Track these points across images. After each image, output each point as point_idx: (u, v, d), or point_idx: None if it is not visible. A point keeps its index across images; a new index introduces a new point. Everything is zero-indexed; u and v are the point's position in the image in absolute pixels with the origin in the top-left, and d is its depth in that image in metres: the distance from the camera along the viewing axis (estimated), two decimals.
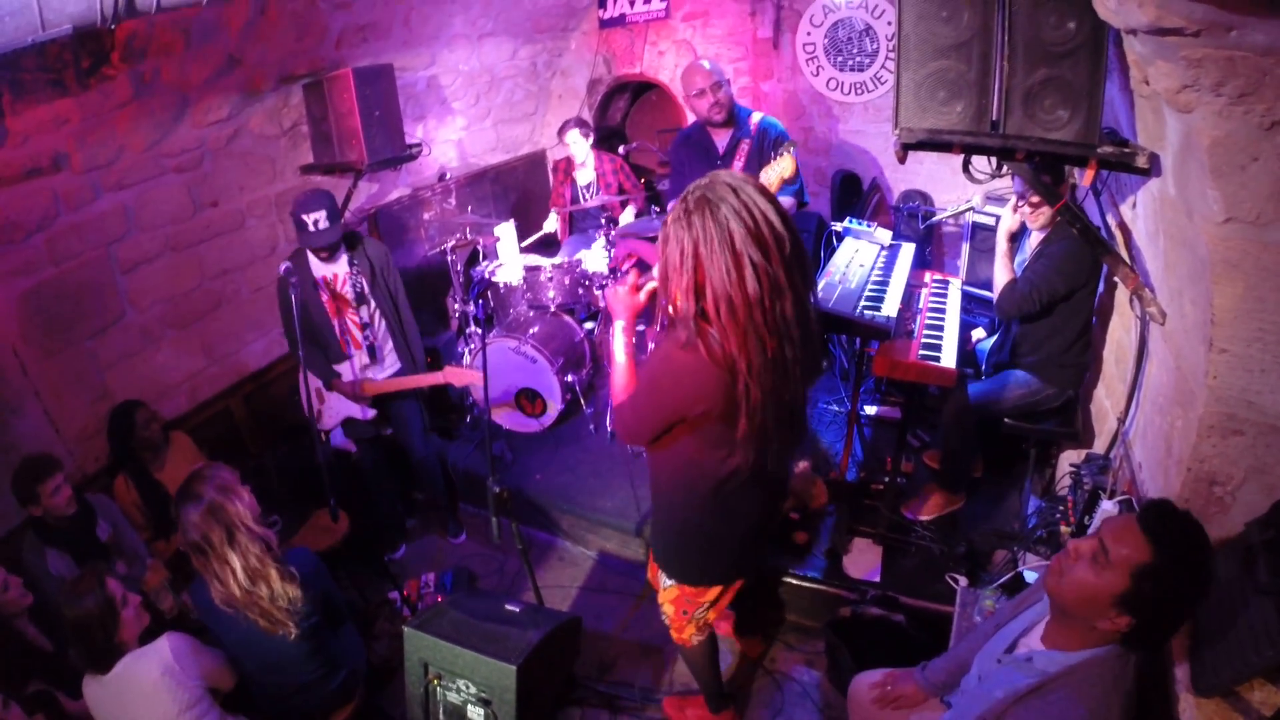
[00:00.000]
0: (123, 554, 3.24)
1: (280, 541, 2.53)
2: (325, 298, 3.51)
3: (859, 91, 5.21)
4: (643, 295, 2.19)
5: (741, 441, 1.90)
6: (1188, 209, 1.97)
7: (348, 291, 3.45)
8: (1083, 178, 2.54)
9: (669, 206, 4.14)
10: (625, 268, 4.61)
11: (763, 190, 1.78)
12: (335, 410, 3.73)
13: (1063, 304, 3.09)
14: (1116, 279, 2.75)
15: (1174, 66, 1.72)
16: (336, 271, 3.51)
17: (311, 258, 3.48)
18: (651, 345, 4.25)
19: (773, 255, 1.73)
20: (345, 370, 3.67)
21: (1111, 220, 2.92)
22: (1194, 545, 1.44)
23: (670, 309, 1.86)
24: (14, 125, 2.94)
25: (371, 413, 3.74)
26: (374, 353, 3.66)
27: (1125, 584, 1.44)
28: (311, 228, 3.28)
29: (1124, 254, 2.68)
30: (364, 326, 3.59)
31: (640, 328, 4.51)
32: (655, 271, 1.96)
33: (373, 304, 3.60)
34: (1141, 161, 2.20)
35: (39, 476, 2.92)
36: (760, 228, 1.72)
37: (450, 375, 3.62)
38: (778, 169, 3.37)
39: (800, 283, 1.81)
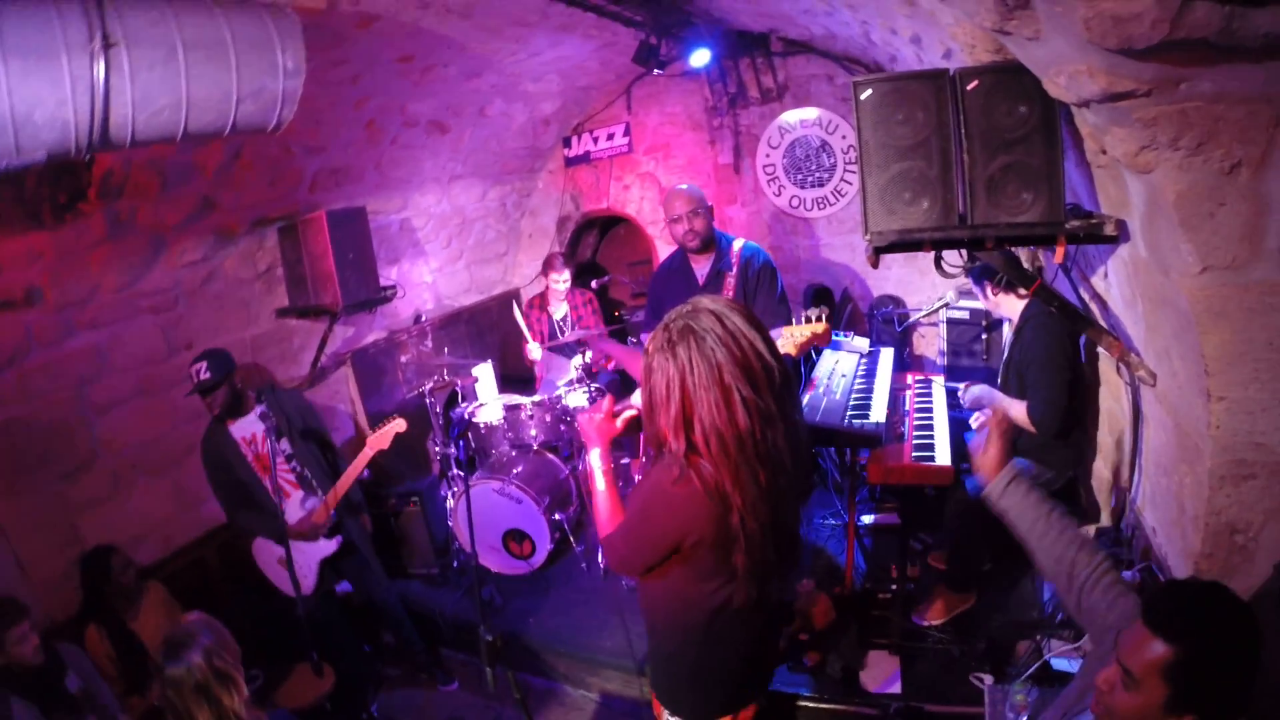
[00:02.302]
0: (94, 708, 2.98)
1: (261, 698, 2.32)
2: (250, 457, 3.53)
3: (821, 206, 5.42)
4: (619, 423, 2.13)
5: (742, 575, 1.82)
6: (1163, 267, 1.99)
7: (270, 444, 3.42)
8: (1052, 256, 2.59)
9: (643, 341, 4.19)
10: (603, 370, 4.57)
11: (747, 316, 1.75)
12: (307, 565, 3.60)
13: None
14: (1101, 349, 2.76)
15: (1129, 130, 1.78)
16: (253, 429, 3.53)
17: (230, 425, 3.53)
18: (637, 477, 4.15)
19: (762, 386, 1.69)
20: (290, 514, 3.55)
21: (1085, 294, 2.96)
22: (1212, 621, 1.35)
23: (658, 442, 1.81)
24: None
25: (337, 540, 3.64)
26: (305, 481, 3.63)
27: (1165, 689, 1.33)
28: (195, 377, 3.37)
29: (1102, 323, 2.70)
30: (289, 459, 3.60)
31: (624, 460, 4.46)
32: (636, 399, 1.92)
33: (293, 442, 3.63)
34: (1109, 229, 2.24)
35: (5, 622, 2.74)
36: (749, 358, 1.69)
37: (371, 444, 3.55)
38: (808, 332, 3.02)
39: (790, 410, 1.78)
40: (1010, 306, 3.20)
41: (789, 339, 3.08)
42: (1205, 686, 1.32)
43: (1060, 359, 3.00)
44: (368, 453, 3.54)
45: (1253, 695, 1.35)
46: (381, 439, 3.55)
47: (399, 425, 3.56)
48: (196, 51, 2.14)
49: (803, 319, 3.11)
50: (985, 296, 3.23)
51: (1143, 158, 1.81)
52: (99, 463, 3.75)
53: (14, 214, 2.93)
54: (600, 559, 4.32)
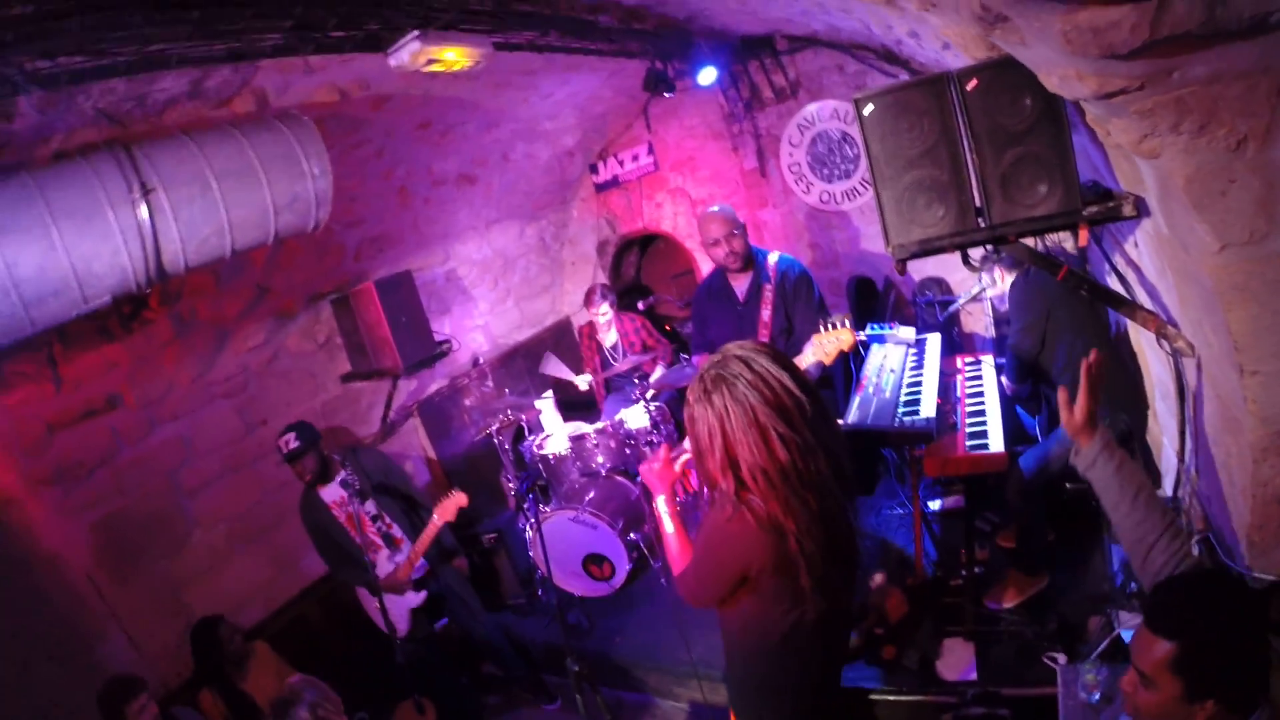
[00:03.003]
0: None
1: None
2: (342, 518, 3.79)
3: (851, 198, 5.37)
4: (677, 467, 2.23)
5: (809, 595, 1.90)
6: (1183, 244, 1.96)
7: (355, 505, 3.63)
8: (1076, 241, 2.55)
9: (693, 360, 4.25)
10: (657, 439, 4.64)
11: (774, 356, 1.84)
12: (399, 612, 3.84)
13: (1053, 335, 3.19)
14: (1137, 325, 2.70)
15: (1129, 121, 1.76)
16: (341, 493, 3.75)
17: (320, 489, 3.82)
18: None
19: (795, 420, 1.77)
20: (381, 568, 3.81)
21: (1121, 262, 2.90)
22: (1204, 611, 1.41)
23: (711, 483, 1.92)
24: (67, 373, 3.25)
25: (422, 594, 3.90)
26: (390, 542, 3.88)
27: (1178, 683, 1.40)
28: (284, 449, 3.69)
29: (1139, 292, 2.64)
30: (374, 519, 3.85)
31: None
32: (687, 444, 2.00)
33: (378, 501, 3.88)
34: (1128, 210, 2.21)
35: (126, 697, 2.94)
36: (780, 396, 1.77)
37: (440, 515, 3.71)
38: (835, 341, 3.16)
39: (828, 436, 1.86)
40: (1007, 281, 3.28)
41: (819, 349, 3.19)
42: (1214, 672, 1.38)
43: (1023, 312, 3.18)
44: (436, 523, 3.72)
45: (1268, 670, 1.37)
46: (446, 512, 3.72)
47: (460, 500, 3.73)
48: (228, 179, 2.32)
49: (825, 326, 3.16)
50: (994, 281, 3.32)
51: (1146, 145, 1.78)
52: (195, 539, 4.05)
53: (86, 331, 3.23)
54: (679, 594, 4.40)
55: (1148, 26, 1.38)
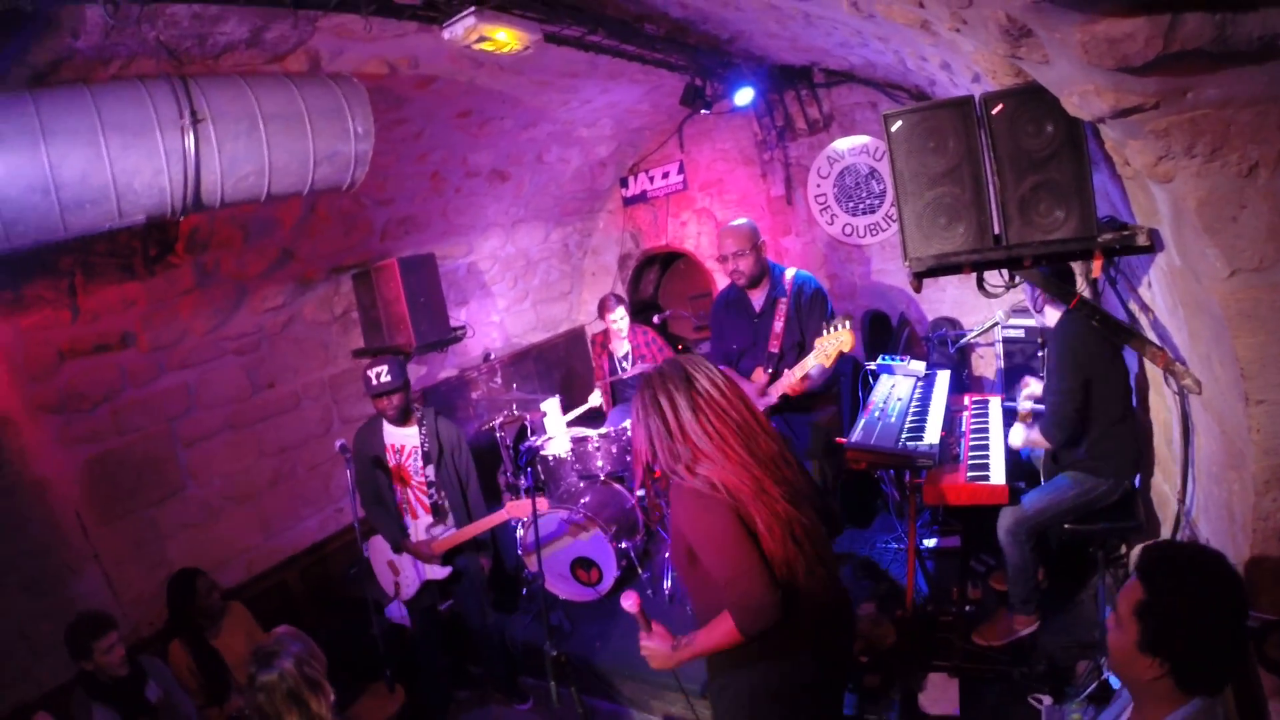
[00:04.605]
0: (172, 717, 3.20)
1: (336, 714, 2.47)
2: (392, 463, 3.67)
3: (874, 232, 5.45)
4: (658, 630, 2.17)
5: (778, 561, 1.95)
6: (1194, 273, 2.00)
7: (415, 460, 3.55)
8: (1091, 270, 2.59)
9: None
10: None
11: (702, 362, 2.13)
12: (411, 577, 3.77)
13: (1092, 394, 3.07)
14: (1147, 360, 2.72)
15: (1145, 142, 1.81)
16: (406, 440, 3.68)
17: (385, 426, 3.68)
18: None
19: (724, 386, 2.06)
20: (414, 532, 3.74)
21: (1134, 305, 2.93)
22: (1183, 572, 1.47)
23: (670, 468, 2.07)
24: (85, 304, 3.28)
25: (447, 569, 3.76)
26: (439, 511, 3.72)
27: (1137, 628, 1.47)
28: (374, 380, 3.52)
29: (1150, 335, 2.67)
30: (429, 485, 3.69)
31: (640, 493, 4.74)
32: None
33: (440, 469, 3.73)
34: (1142, 240, 2.25)
35: (95, 632, 2.95)
36: (703, 369, 2.08)
37: (512, 510, 3.67)
38: (835, 343, 3.43)
39: (756, 419, 2.08)
40: (1053, 318, 3.22)
41: (820, 352, 3.47)
42: (1171, 631, 1.43)
43: (1066, 366, 3.02)
44: (502, 514, 3.69)
45: (1222, 662, 1.42)
46: (517, 509, 3.69)
47: (541, 504, 3.66)
48: (276, 122, 2.41)
49: (828, 329, 3.28)
50: (1034, 306, 3.26)
51: (1161, 168, 1.83)
52: (188, 492, 4.05)
53: (109, 266, 3.28)
54: (665, 586, 4.39)
55: (1161, 40, 1.43)
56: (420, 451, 3.44)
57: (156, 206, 2.27)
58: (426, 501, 3.72)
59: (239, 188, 2.44)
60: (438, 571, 3.76)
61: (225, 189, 2.39)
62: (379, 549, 3.85)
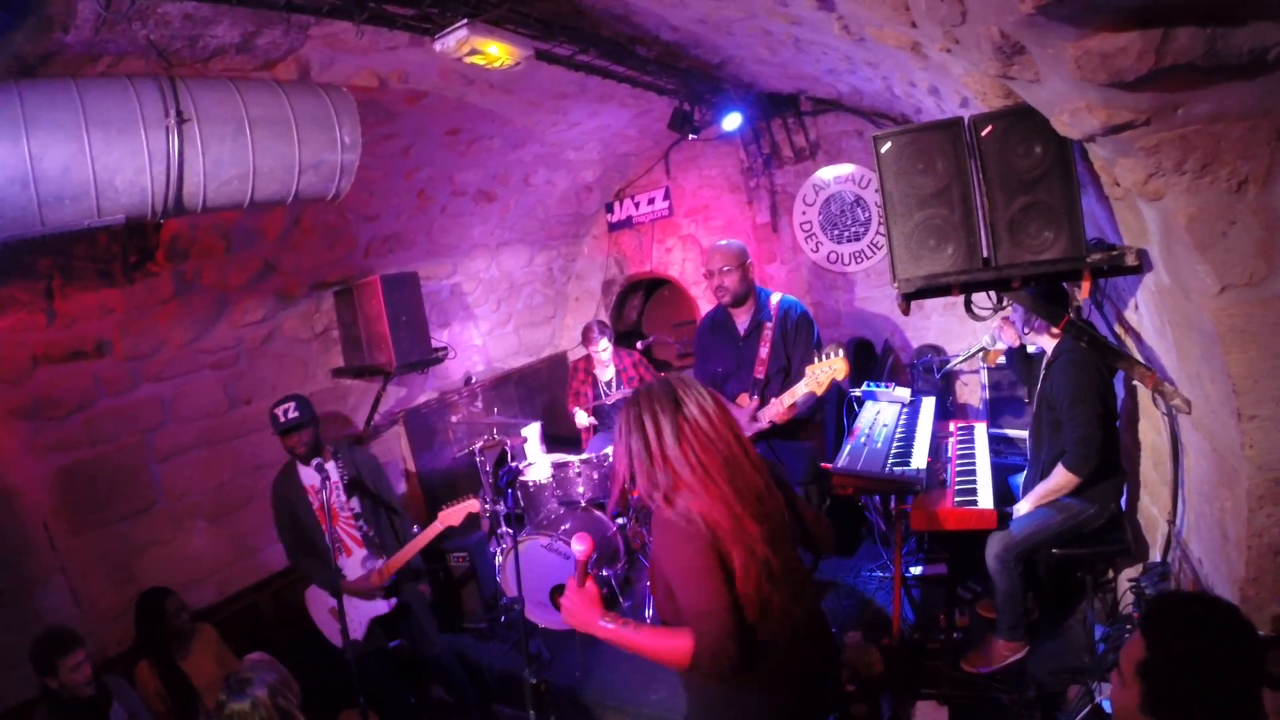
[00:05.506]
0: None
1: None
2: (315, 505, 3.54)
3: (859, 260, 5.49)
4: (587, 582, 2.07)
5: (751, 601, 1.88)
6: (1184, 290, 2.01)
7: (339, 495, 3.49)
8: (1080, 291, 2.61)
9: None
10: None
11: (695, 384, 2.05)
12: (358, 619, 3.65)
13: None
14: (1135, 381, 2.73)
15: (1135, 160, 1.83)
16: (323, 476, 3.52)
17: (301, 470, 3.59)
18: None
19: (713, 414, 1.97)
20: (350, 570, 3.63)
21: (1120, 329, 2.95)
22: (1189, 630, 1.37)
23: (647, 494, 1.99)
24: (62, 308, 3.20)
25: (392, 602, 3.66)
26: (370, 542, 3.66)
27: (1139, 689, 1.38)
28: (281, 417, 3.47)
29: (1137, 355, 2.68)
30: (356, 517, 3.64)
31: (620, 520, 4.67)
32: (576, 546, 2.06)
33: (363, 501, 3.68)
34: (1131, 259, 2.26)
35: (61, 650, 2.84)
36: (694, 393, 2.00)
37: (443, 519, 3.60)
38: (829, 370, 3.40)
39: (744, 450, 2.00)
40: (1045, 342, 3.21)
41: (813, 379, 3.44)
42: (1173, 690, 1.34)
43: (1089, 395, 2.98)
44: (438, 526, 3.60)
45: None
46: (453, 515, 3.62)
47: (472, 505, 3.63)
48: (262, 127, 2.38)
49: (820, 357, 3.26)
50: (1023, 329, 3.26)
51: (1152, 185, 1.84)
52: (159, 507, 3.94)
53: (88, 271, 3.21)
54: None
55: (1153, 54, 1.45)
56: (341, 485, 3.38)
57: (137, 206, 2.22)
58: (358, 535, 3.65)
59: (222, 191, 2.40)
60: (382, 607, 3.66)
61: (208, 192, 2.35)
62: (318, 600, 3.73)
